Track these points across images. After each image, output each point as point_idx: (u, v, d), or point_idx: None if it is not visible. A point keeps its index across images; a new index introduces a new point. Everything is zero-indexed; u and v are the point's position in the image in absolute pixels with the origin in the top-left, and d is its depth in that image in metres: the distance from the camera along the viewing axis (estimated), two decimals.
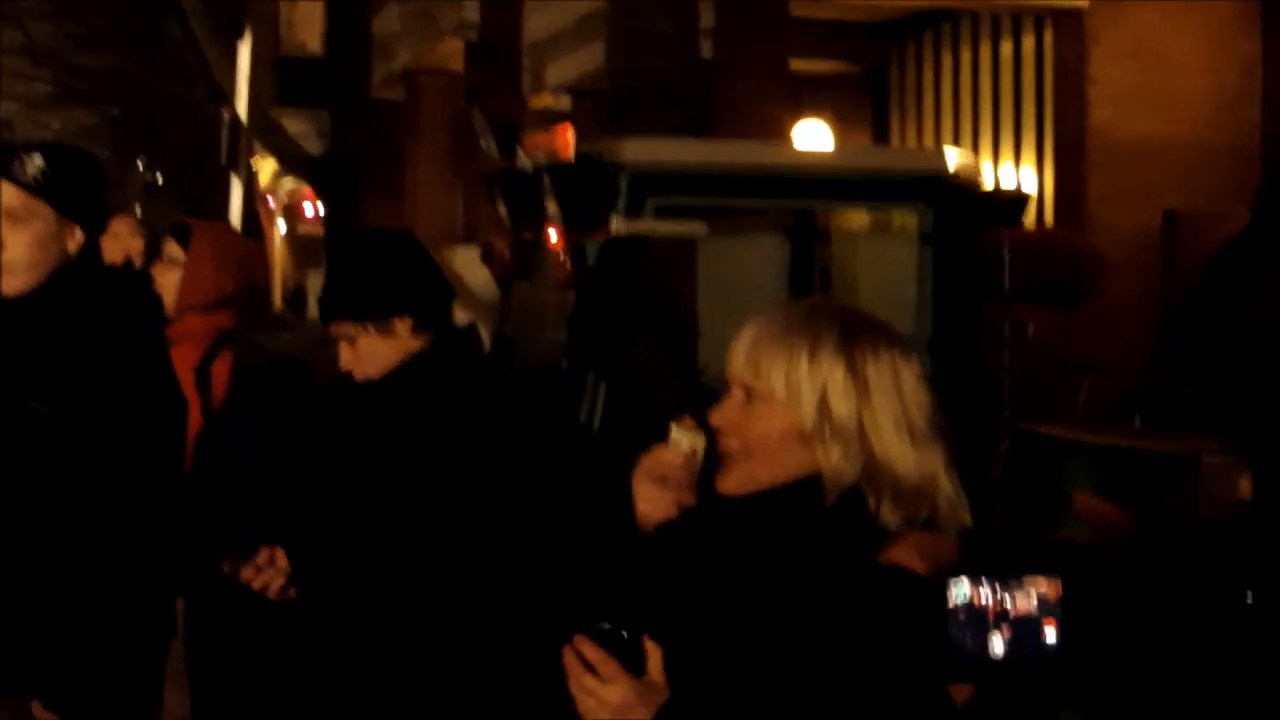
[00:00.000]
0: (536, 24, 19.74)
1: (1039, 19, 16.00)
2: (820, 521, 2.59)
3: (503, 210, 8.14)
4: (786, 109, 16.19)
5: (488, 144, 7.78)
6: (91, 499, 3.76)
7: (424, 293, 4.46)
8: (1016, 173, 16.37)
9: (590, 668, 2.54)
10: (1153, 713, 3.54)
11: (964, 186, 7.84)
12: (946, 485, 2.64)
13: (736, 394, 2.71)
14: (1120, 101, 14.97)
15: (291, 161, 20.06)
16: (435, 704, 4.25)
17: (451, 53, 22.41)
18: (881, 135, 18.80)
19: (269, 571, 4.31)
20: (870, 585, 2.28)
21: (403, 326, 4.37)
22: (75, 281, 3.98)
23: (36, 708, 3.78)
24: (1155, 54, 15.07)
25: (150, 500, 3.88)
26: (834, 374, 2.64)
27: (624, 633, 2.53)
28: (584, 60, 17.53)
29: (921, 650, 1.97)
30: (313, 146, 22.12)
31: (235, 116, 13.07)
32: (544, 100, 20.33)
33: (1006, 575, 1.90)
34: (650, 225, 7.13)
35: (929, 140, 17.85)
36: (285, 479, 4.75)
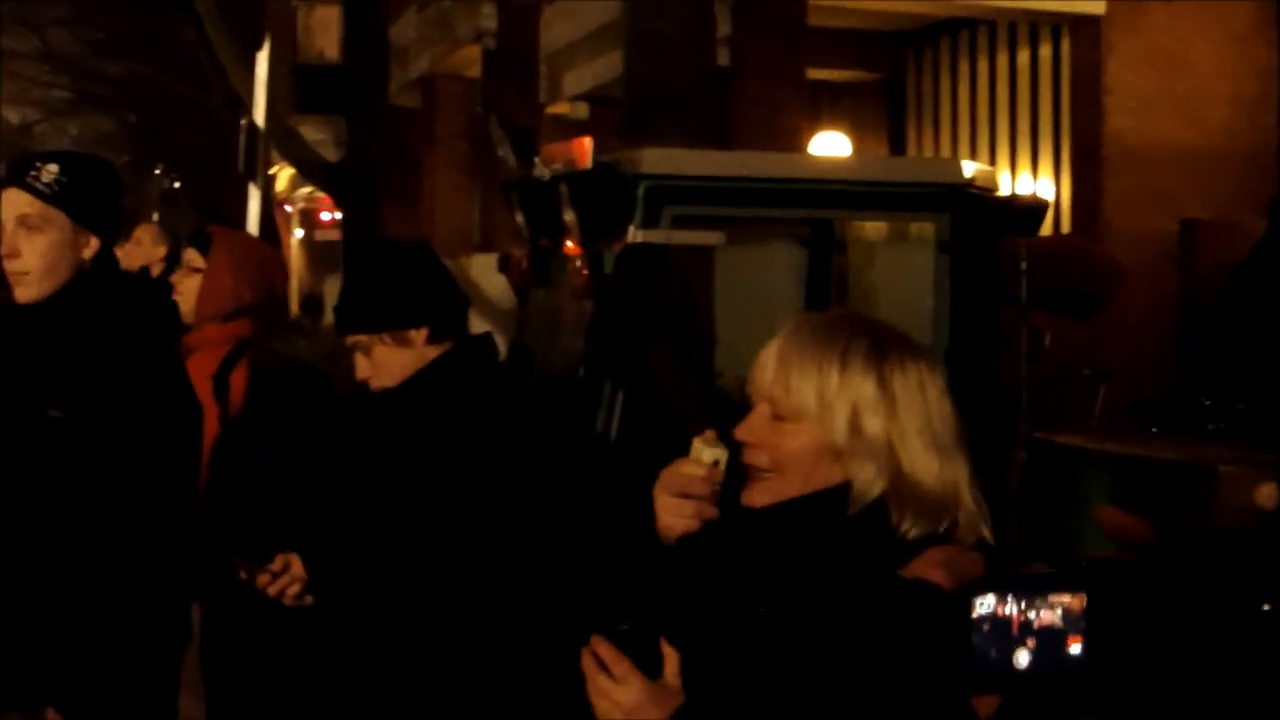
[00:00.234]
0: (554, 32, 19.76)
1: (1056, 27, 16.01)
2: (842, 532, 2.59)
3: (520, 218, 8.14)
4: (803, 117, 16.19)
5: (505, 152, 7.78)
6: (106, 505, 3.77)
7: (439, 302, 4.47)
8: (1034, 181, 16.36)
9: (605, 668, 2.55)
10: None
11: (981, 196, 7.83)
12: (967, 497, 2.65)
13: (764, 409, 2.71)
14: (1137, 109, 14.97)
15: (309, 169, 20.08)
16: (449, 710, 4.26)
17: (469, 60, 22.42)
18: (898, 143, 18.81)
19: (284, 578, 4.33)
20: (894, 598, 2.28)
21: (419, 336, 4.38)
22: (91, 289, 4.00)
23: (51, 714, 3.79)
24: (1172, 61, 15.07)
25: (164, 507, 3.89)
26: (865, 389, 2.64)
27: (641, 634, 2.53)
28: (601, 68, 17.55)
29: (946, 662, 1.98)
30: (330, 154, 22.15)
31: (252, 123, 13.04)
32: (561, 108, 20.34)
33: (1031, 588, 1.91)
34: (667, 234, 7.13)
35: (946, 148, 17.85)
36: (301, 486, 4.77)
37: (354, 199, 18.80)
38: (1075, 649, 1.86)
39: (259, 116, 13.41)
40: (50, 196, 3.96)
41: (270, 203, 22.18)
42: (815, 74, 17.15)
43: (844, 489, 2.64)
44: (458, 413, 4.33)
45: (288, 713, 5.15)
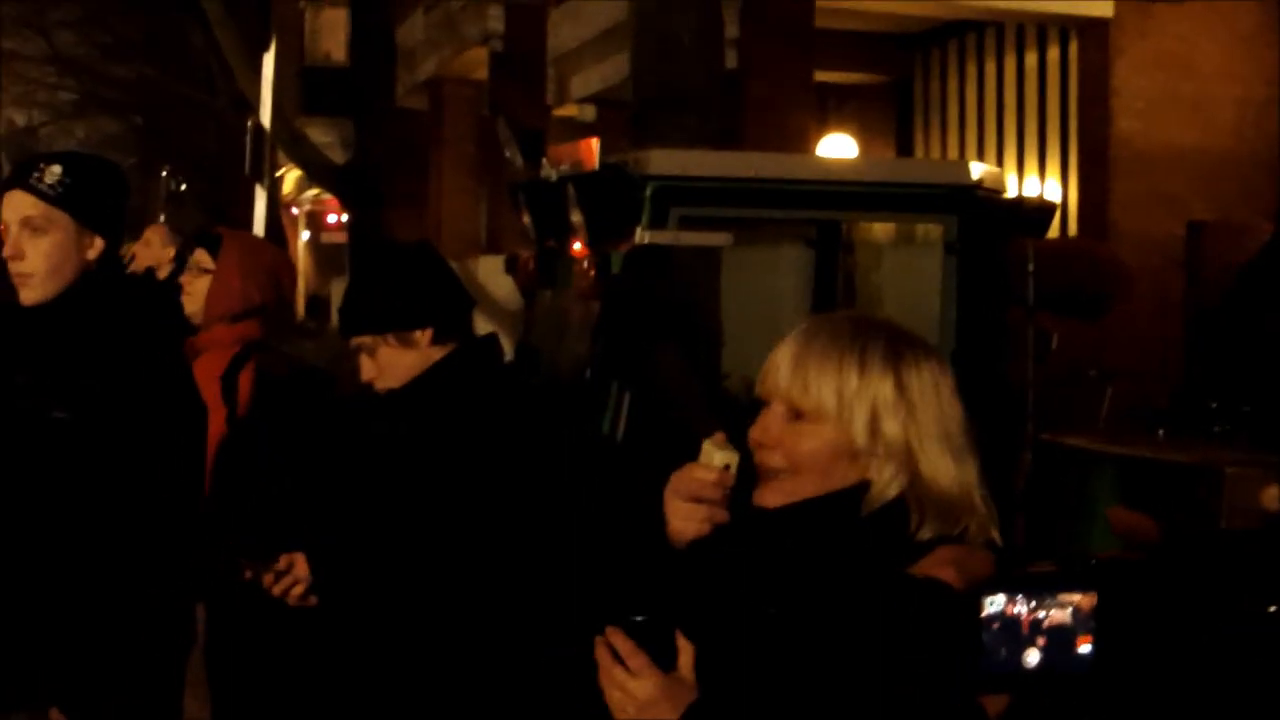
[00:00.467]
0: (561, 34, 19.76)
1: (1063, 30, 16.01)
2: (856, 533, 2.59)
3: (526, 220, 8.13)
4: (811, 119, 16.19)
5: (512, 153, 7.78)
6: (111, 506, 3.77)
7: (444, 303, 4.47)
8: (1040, 183, 16.36)
9: (621, 660, 2.54)
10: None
11: (989, 197, 7.83)
12: (979, 499, 2.65)
13: (778, 409, 2.70)
14: (1145, 112, 14.97)
15: (315, 171, 20.08)
16: (452, 709, 4.26)
17: (476, 62, 22.44)
18: (906, 145, 18.80)
19: (288, 578, 4.34)
20: (904, 596, 2.28)
21: (423, 338, 4.38)
22: (95, 290, 3.99)
23: (55, 715, 3.79)
24: (1180, 64, 15.07)
25: (169, 507, 3.89)
26: (883, 389, 2.64)
27: (656, 628, 2.52)
28: (608, 70, 17.55)
29: (955, 661, 1.98)
30: (337, 156, 22.15)
31: (258, 125, 13.05)
32: (568, 110, 20.35)
33: (1041, 588, 1.90)
34: (675, 236, 7.12)
35: (953, 151, 17.84)
36: (306, 487, 4.78)
37: (361, 201, 18.80)
38: (1084, 648, 1.86)
39: (265, 118, 13.43)
40: (54, 198, 3.95)
41: (277, 204, 22.20)
42: (823, 76, 17.14)
43: (858, 490, 2.63)
44: (462, 413, 4.33)
45: (292, 713, 5.16)
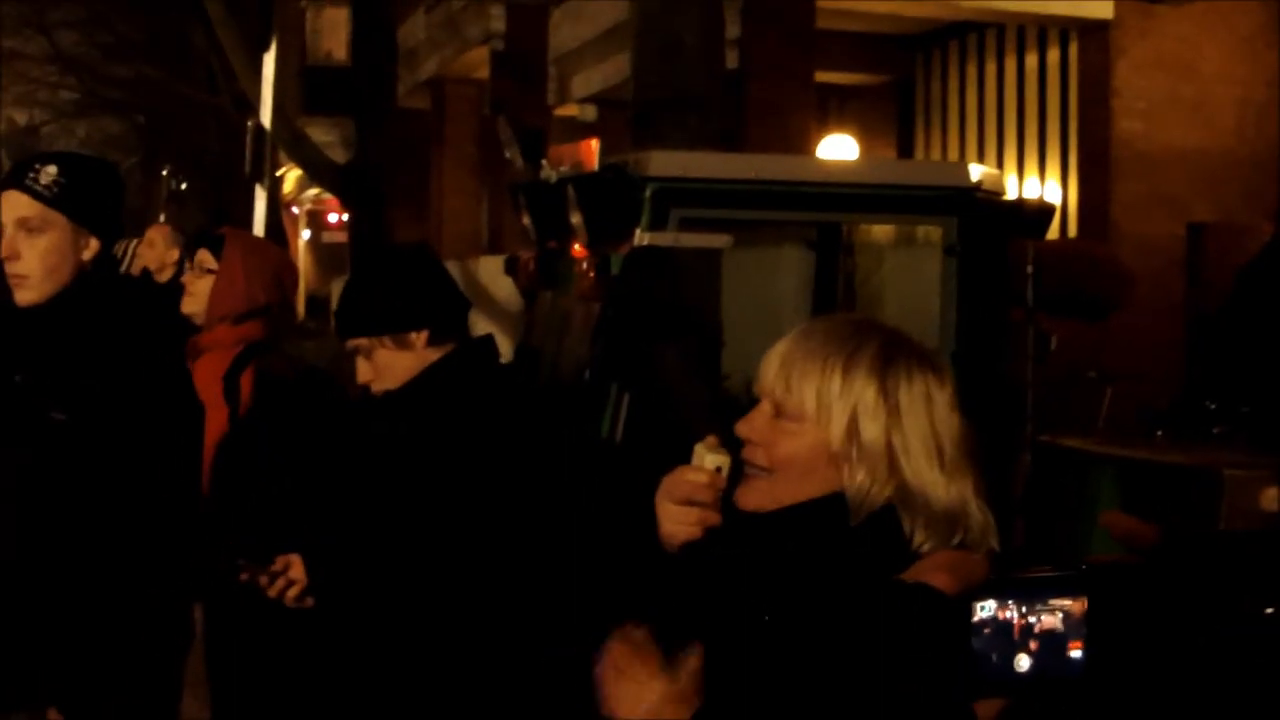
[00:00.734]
0: (563, 34, 19.78)
1: (1064, 31, 16.02)
2: (849, 541, 2.58)
3: (527, 221, 8.13)
4: (812, 120, 16.20)
5: (512, 153, 7.78)
6: (109, 507, 3.76)
7: (439, 305, 4.47)
8: (1041, 184, 16.36)
9: (630, 662, 2.53)
10: None
11: (988, 199, 7.83)
12: (976, 512, 2.61)
13: (766, 407, 2.69)
14: (1145, 113, 14.97)
15: (316, 170, 20.09)
16: (452, 710, 4.27)
17: (477, 62, 22.45)
18: (907, 146, 18.81)
19: (282, 579, 4.34)
20: (895, 602, 2.28)
21: (419, 339, 4.39)
22: (91, 290, 3.99)
23: (53, 715, 3.79)
24: (1181, 66, 15.08)
25: (166, 508, 3.89)
26: (865, 394, 2.62)
27: (667, 630, 2.50)
28: (610, 70, 17.57)
29: (947, 666, 1.98)
30: (338, 155, 22.15)
31: (259, 125, 13.06)
32: (570, 110, 20.35)
33: (1033, 592, 1.91)
34: (675, 237, 7.12)
35: (954, 152, 17.85)
36: (307, 487, 4.78)
37: (362, 201, 18.80)
38: (1076, 653, 1.87)
39: (266, 118, 13.43)
40: (50, 198, 3.94)
41: (277, 204, 22.21)
42: (824, 77, 17.15)
43: (838, 497, 2.62)
44: (459, 414, 4.34)
45: (293, 713, 5.16)
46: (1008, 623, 1.89)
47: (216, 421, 5.19)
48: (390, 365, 4.40)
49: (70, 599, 3.75)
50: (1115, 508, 7.54)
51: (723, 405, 7.26)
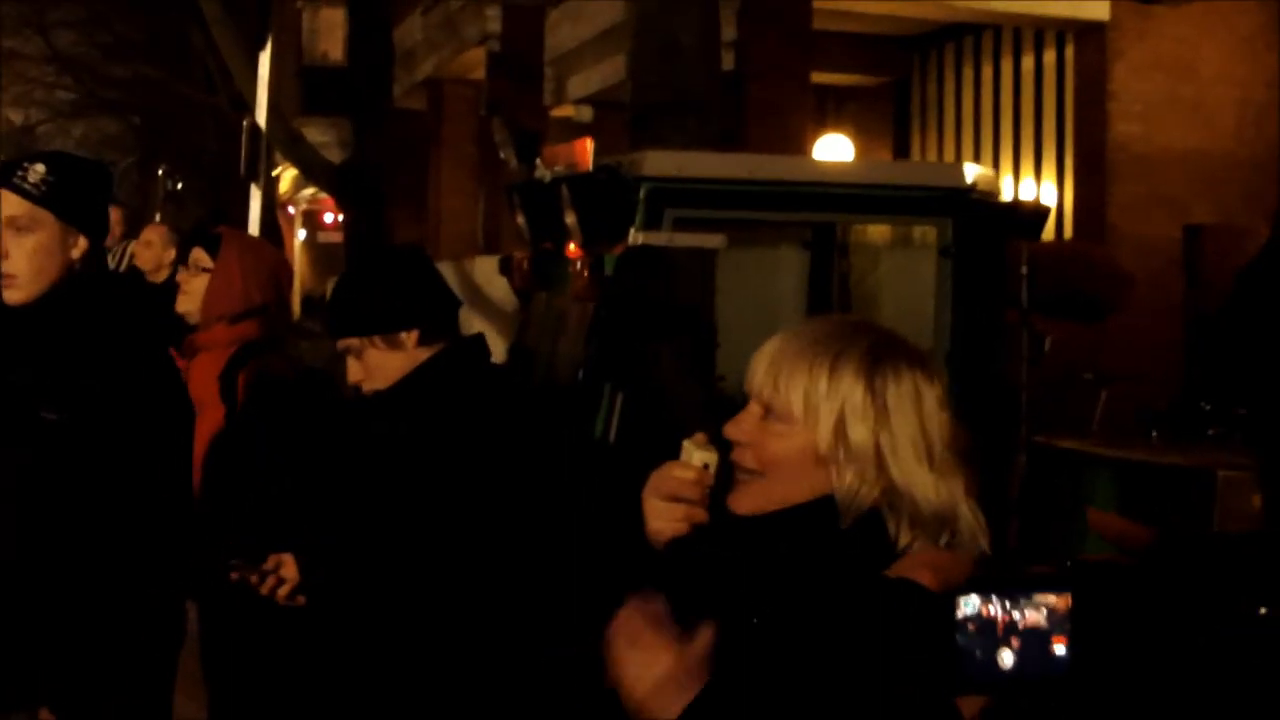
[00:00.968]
0: (560, 35, 19.76)
1: (1061, 33, 16.01)
2: (837, 543, 2.56)
3: (521, 221, 8.14)
4: (809, 121, 16.19)
5: (507, 154, 7.79)
6: (99, 506, 3.76)
7: (429, 305, 4.47)
8: (1037, 186, 16.36)
9: (643, 632, 2.47)
10: None
11: (983, 200, 7.83)
12: (966, 512, 2.60)
13: (754, 408, 2.67)
14: (1142, 115, 14.97)
15: (313, 170, 20.08)
16: (449, 710, 4.26)
17: (474, 63, 22.43)
18: (903, 147, 18.81)
19: (272, 578, 4.34)
20: (877, 598, 2.27)
21: (409, 339, 4.38)
22: (80, 289, 3.98)
23: (45, 715, 3.78)
24: (1179, 67, 15.07)
25: (157, 506, 3.88)
26: (853, 395, 2.59)
27: (678, 608, 2.47)
28: (607, 72, 17.55)
29: (930, 662, 1.98)
30: (334, 155, 22.13)
31: (254, 124, 13.08)
32: (566, 111, 20.35)
33: (1016, 589, 1.90)
34: (669, 237, 7.13)
35: (951, 153, 17.85)
36: (305, 487, 4.78)
37: (358, 201, 18.79)
38: (1060, 650, 1.86)
39: (261, 118, 13.44)
40: (38, 197, 3.93)
41: (273, 204, 22.21)
42: (821, 78, 17.14)
43: (830, 500, 2.59)
44: (449, 413, 4.33)
45: (290, 713, 5.16)
46: (991, 619, 1.88)
47: (213, 420, 5.20)
48: (381, 365, 4.40)
49: (63, 599, 3.74)
50: (1110, 509, 7.54)
51: (717, 405, 7.26)
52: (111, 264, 10.59)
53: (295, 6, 29.67)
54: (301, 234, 36.92)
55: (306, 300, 25.78)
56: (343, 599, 4.40)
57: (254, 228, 12.78)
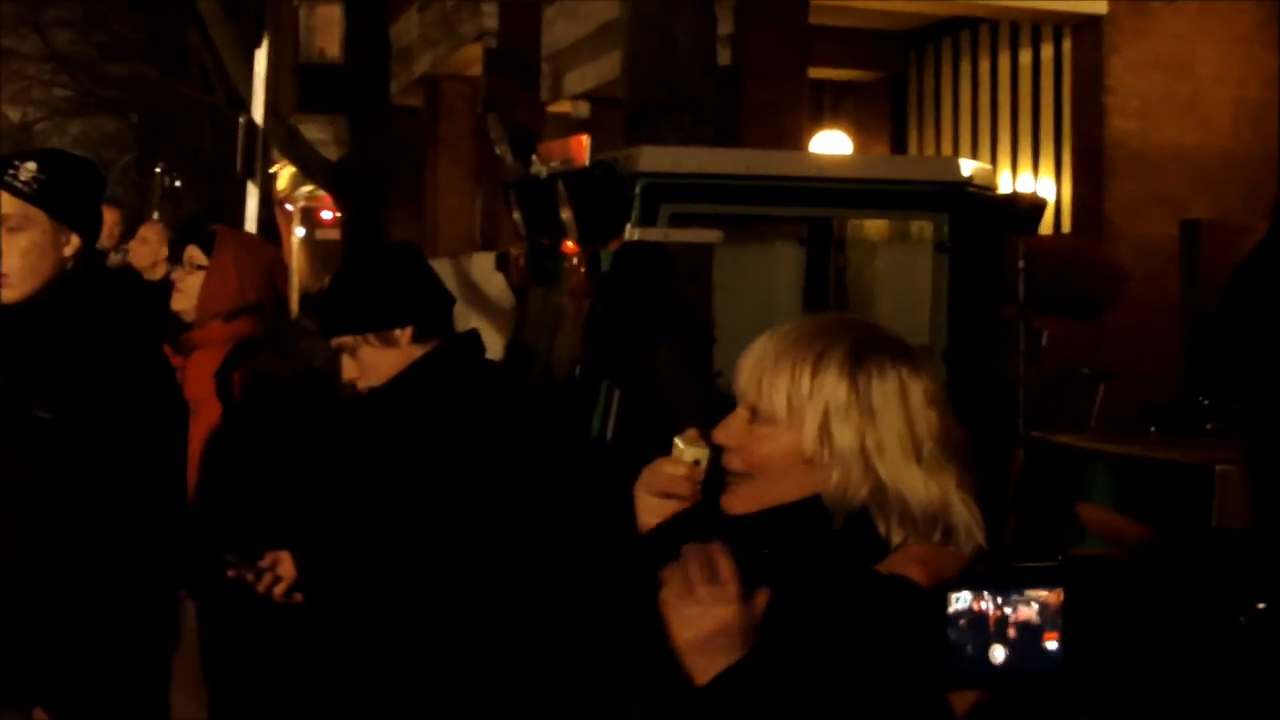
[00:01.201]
0: (556, 31, 19.76)
1: (1058, 28, 16.00)
2: (828, 542, 2.55)
3: (518, 217, 8.14)
4: (806, 116, 16.19)
5: (502, 150, 7.78)
6: (92, 504, 3.75)
7: (423, 302, 4.46)
8: (1034, 181, 16.36)
9: (701, 582, 2.34)
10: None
11: (979, 194, 7.82)
12: (960, 507, 2.57)
13: (741, 412, 2.65)
14: (1140, 111, 14.96)
15: (310, 168, 20.09)
16: (449, 709, 4.26)
17: (471, 60, 22.44)
18: (900, 142, 18.80)
19: (269, 575, 4.34)
20: (868, 594, 2.26)
21: (403, 336, 4.38)
22: (73, 288, 3.97)
23: (39, 714, 3.78)
24: (1176, 64, 15.06)
25: (151, 505, 3.87)
26: (836, 395, 2.57)
27: (760, 558, 2.41)
28: (604, 67, 17.54)
29: (921, 658, 1.97)
30: (332, 153, 22.14)
31: (251, 122, 13.07)
32: (563, 107, 20.34)
33: (1008, 584, 1.89)
34: (665, 233, 7.13)
35: (948, 148, 17.84)
36: (304, 486, 4.78)
37: (355, 198, 18.79)
38: (1052, 645, 1.85)
39: (258, 115, 13.43)
40: (29, 195, 3.92)
41: (270, 202, 22.20)
42: (818, 73, 17.14)
43: (818, 499, 2.57)
44: (444, 410, 4.33)
45: (289, 711, 5.16)
46: (983, 614, 1.87)
47: (209, 418, 5.20)
48: (375, 362, 4.39)
49: (57, 598, 3.74)
50: (1108, 504, 7.53)
51: (714, 401, 7.26)
52: (117, 262, 10.60)
53: (292, 4, 29.68)
54: (299, 231, 36.90)
55: (304, 298, 25.77)
56: (342, 598, 4.39)
57: (251, 225, 12.77)
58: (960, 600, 1.85)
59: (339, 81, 21.83)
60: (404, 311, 4.39)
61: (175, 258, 5.83)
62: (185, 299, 5.52)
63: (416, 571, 4.25)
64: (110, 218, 9.21)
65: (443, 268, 12.90)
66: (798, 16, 15.40)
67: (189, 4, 22.07)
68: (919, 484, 2.55)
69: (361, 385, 4.42)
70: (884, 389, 2.58)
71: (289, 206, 35.41)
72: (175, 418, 4.08)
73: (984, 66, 17.44)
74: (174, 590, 4.21)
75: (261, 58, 13.80)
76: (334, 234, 27.40)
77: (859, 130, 18.72)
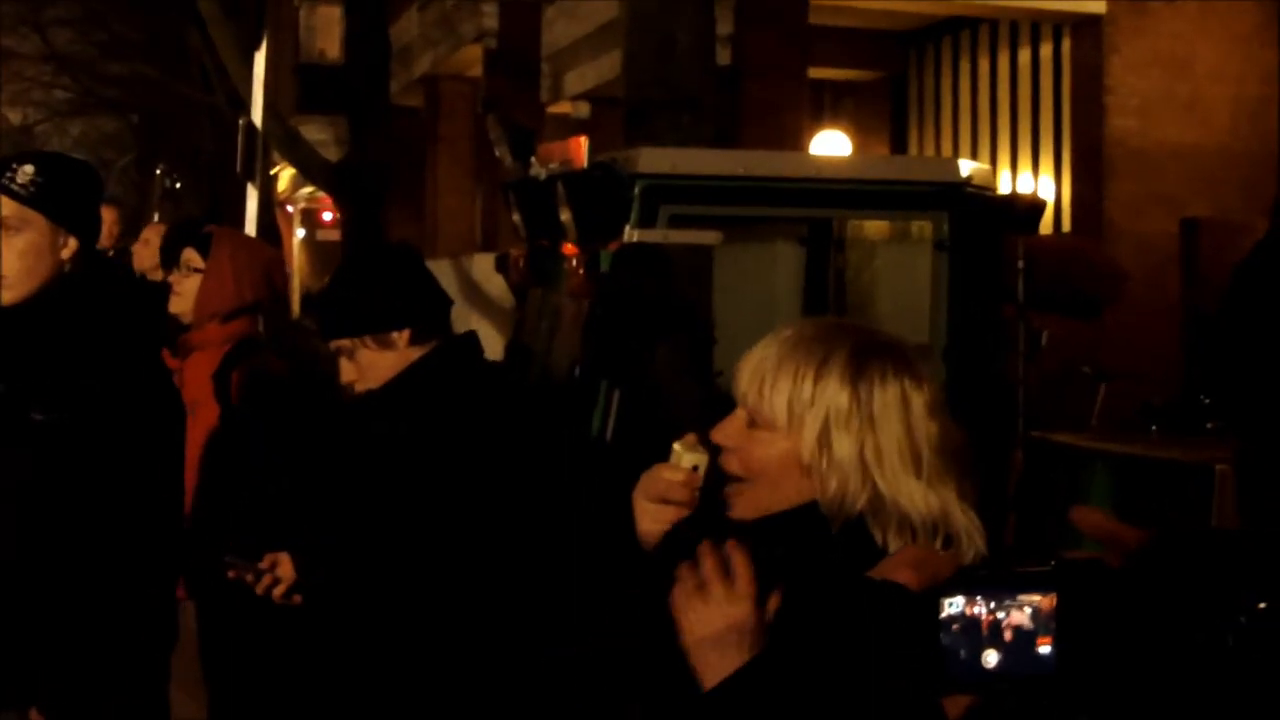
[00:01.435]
0: (556, 31, 19.76)
1: (1057, 27, 16.00)
2: (825, 550, 2.54)
3: (517, 218, 8.14)
4: (806, 116, 16.19)
5: (502, 152, 7.78)
6: (88, 506, 3.75)
7: (421, 304, 4.46)
8: (1034, 181, 16.36)
9: (714, 581, 2.35)
10: None
11: (979, 194, 7.82)
12: (960, 517, 2.56)
13: (740, 414, 2.65)
14: (1139, 110, 14.96)
15: (310, 169, 20.08)
16: (451, 710, 4.26)
17: (471, 60, 22.44)
18: (900, 142, 18.80)
19: (267, 577, 4.34)
20: (860, 599, 2.26)
21: (401, 338, 4.38)
22: (70, 290, 3.97)
23: (34, 715, 3.78)
24: (1175, 62, 15.07)
25: (148, 506, 3.88)
26: (837, 402, 2.55)
27: (773, 560, 2.41)
28: (604, 68, 17.54)
29: (914, 663, 1.97)
30: (332, 153, 22.14)
31: (250, 123, 13.07)
32: (564, 108, 20.34)
33: (1001, 589, 1.89)
34: (664, 234, 7.13)
35: (948, 148, 17.84)
36: (304, 486, 4.78)
37: (355, 199, 18.79)
38: (1045, 649, 1.86)
39: (257, 116, 13.42)
40: (27, 198, 3.92)
41: (271, 203, 22.20)
42: (818, 73, 17.15)
43: (815, 506, 2.56)
44: (442, 412, 4.33)
45: (289, 711, 5.16)
46: (976, 619, 1.87)
47: (208, 420, 5.20)
48: (373, 365, 4.39)
49: (54, 599, 3.74)
50: (1108, 504, 7.54)
51: (714, 402, 7.25)
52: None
53: (292, 4, 29.67)
54: (300, 233, 36.91)
55: (306, 298, 25.79)
56: (342, 598, 4.40)
57: (251, 227, 12.74)
58: (953, 605, 1.86)
59: (339, 82, 21.84)
60: (401, 314, 4.39)
61: (167, 261, 5.82)
62: (183, 301, 5.52)
63: (416, 572, 4.25)
64: (109, 217, 9.20)
65: (443, 268, 12.93)
66: (797, 16, 15.41)
67: (189, 4, 22.06)
68: (918, 494, 2.54)
69: (359, 387, 4.42)
70: (885, 398, 2.57)
71: (290, 208, 35.42)
72: (171, 419, 4.08)
73: (984, 66, 17.44)
74: (173, 590, 4.21)
75: (261, 59, 13.77)
76: (335, 235, 27.41)
77: (859, 130, 18.72)
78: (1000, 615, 1.87)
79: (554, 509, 3.63)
